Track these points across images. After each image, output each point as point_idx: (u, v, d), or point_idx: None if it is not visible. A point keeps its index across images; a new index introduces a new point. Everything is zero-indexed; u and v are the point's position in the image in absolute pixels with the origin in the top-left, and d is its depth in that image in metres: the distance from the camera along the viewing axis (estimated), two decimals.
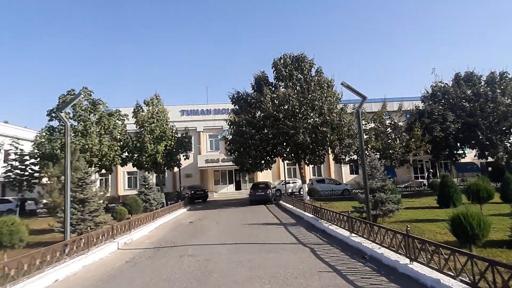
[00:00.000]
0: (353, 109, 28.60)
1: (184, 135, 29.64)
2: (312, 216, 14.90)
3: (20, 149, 26.36)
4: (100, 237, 10.30)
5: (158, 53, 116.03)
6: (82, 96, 8.90)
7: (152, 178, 37.76)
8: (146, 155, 25.69)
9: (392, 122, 29.99)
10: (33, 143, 24.76)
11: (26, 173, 25.98)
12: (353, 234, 9.82)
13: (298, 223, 14.50)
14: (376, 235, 8.45)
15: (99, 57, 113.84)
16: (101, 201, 16.40)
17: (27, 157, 26.02)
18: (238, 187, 40.15)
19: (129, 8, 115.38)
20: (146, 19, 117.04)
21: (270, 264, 7.60)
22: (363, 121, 30.10)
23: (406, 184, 34.16)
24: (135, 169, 30.24)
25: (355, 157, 30.50)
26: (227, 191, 39.57)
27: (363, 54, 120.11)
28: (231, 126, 26.98)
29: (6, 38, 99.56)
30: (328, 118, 24.46)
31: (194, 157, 39.23)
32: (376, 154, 27.48)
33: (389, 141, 27.23)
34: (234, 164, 29.14)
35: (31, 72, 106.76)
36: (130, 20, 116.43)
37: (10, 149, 26.36)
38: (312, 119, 25.28)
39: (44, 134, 24.72)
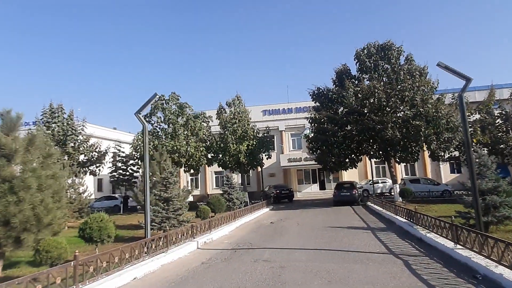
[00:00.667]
0: (452, 99, 25.06)
1: (265, 134, 29.55)
2: (406, 220, 13.14)
3: (122, 152, 29.39)
4: (180, 236, 10.44)
5: (240, 56, 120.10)
6: (158, 97, 9.20)
7: (237, 178, 39.03)
8: (229, 155, 26.26)
9: (503, 112, 25.38)
10: (130, 145, 27.33)
11: (127, 173, 28.80)
12: (458, 246, 8.11)
13: (388, 228, 12.92)
14: (492, 249, 6.74)
15: (186, 62, 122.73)
16: (186, 200, 17.09)
17: (128, 159, 28.87)
18: (322, 187, 38.76)
19: (205, 12, 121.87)
20: (226, 23, 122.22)
21: (354, 278, 6.58)
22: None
23: None
24: (221, 169, 31.28)
25: (456, 153, 26.71)
26: (311, 190, 38.50)
27: (460, 37, 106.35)
28: (312, 124, 25.94)
29: (112, 49, 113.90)
30: (421, 109, 21.75)
31: (277, 156, 39.17)
32: (484, 150, 23.53)
33: (499, 134, 23.02)
34: (316, 163, 28.02)
35: (131, 78, 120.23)
36: (211, 24, 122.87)
37: (116, 152, 29.58)
38: (403, 112, 22.79)
39: (139, 137, 27.08)
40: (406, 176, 33.25)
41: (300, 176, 39.38)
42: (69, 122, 28.39)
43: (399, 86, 22.35)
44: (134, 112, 9.78)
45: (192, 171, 29.32)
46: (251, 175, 40.39)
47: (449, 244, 8.47)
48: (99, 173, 31.61)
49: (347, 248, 9.51)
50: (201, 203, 26.40)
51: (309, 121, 26.03)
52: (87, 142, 28.08)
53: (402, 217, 13.78)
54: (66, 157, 27.20)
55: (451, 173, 36.65)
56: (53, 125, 27.83)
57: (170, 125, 27.04)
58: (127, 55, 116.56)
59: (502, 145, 22.61)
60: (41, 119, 28.07)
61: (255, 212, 21.08)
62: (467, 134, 9.01)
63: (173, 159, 25.12)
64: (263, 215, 20.84)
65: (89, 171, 28.36)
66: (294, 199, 34.29)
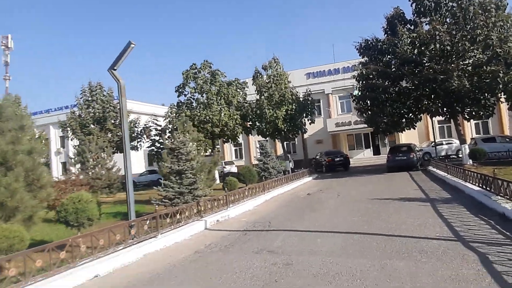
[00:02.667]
0: None
1: (306, 97, 26.53)
2: (479, 188, 9.94)
3: (159, 125, 28.49)
4: (180, 216, 8.57)
5: (283, 18, 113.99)
6: (133, 47, 7.09)
7: (279, 146, 36.72)
8: (266, 122, 23.91)
9: None
10: (164, 118, 26.21)
11: (163, 146, 27.99)
12: None
13: (454, 199, 9.87)
14: None
15: (224, 28, 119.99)
16: (213, 171, 15.36)
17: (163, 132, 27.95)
18: (376, 152, 34.94)
19: None
20: None
21: None
22: None
23: None
24: (261, 137, 29.12)
25: None
26: (364, 156, 34.95)
27: None
28: (360, 81, 22.37)
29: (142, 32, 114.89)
30: (499, 50, 17.22)
31: (323, 121, 35.96)
32: None
33: None
34: (366, 125, 24.57)
35: (168, 51, 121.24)
36: None
37: (151, 126, 28.76)
38: (474, 57, 18.37)
39: (173, 109, 25.79)
40: (478, 135, 28.26)
41: (351, 142, 35.86)
42: (108, 99, 28.07)
43: (468, 26, 17.87)
44: (108, 67, 7.82)
45: (230, 141, 27.53)
46: (296, 142, 37.89)
47: None
48: (141, 148, 31.35)
49: (394, 230, 6.88)
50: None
51: (356, 78, 22.49)
52: (127, 118, 27.57)
53: (474, 184, 10.55)
54: (109, 134, 27.15)
55: None
56: (93, 103, 27.71)
57: (203, 94, 25.27)
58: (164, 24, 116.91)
59: None
60: (81, 98, 28.09)
61: (294, 182, 18.79)
62: None
63: (207, 129, 23.48)
64: (303, 185, 18.49)
65: (131, 146, 28.04)
66: None
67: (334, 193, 13.83)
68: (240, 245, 6.96)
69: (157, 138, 28.54)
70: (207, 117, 23.31)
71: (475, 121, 30.61)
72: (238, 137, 27.26)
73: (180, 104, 26.36)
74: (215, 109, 23.72)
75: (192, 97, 26.20)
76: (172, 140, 12.82)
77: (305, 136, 37.25)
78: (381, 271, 4.68)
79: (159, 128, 28.38)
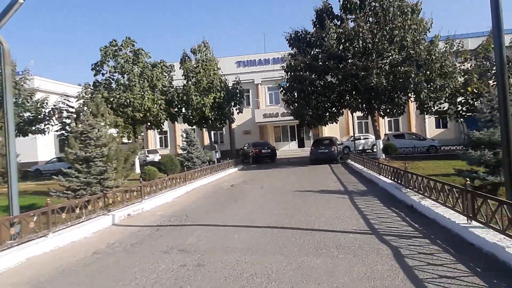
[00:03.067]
0: (446, 44, 21.79)
1: (235, 85, 26.05)
2: (391, 181, 10.51)
3: (71, 107, 25.49)
4: (78, 211, 7.41)
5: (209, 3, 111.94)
6: (21, 3, 5.80)
7: (207, 136, 35.88)
8: (192, 109, 22.86)
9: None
10: (76, 99, 23.48)
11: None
12: (474, 223, 5.39)
13: (369, 192, 10.27)
14: None
15: (151, 9, 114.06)
16: (130, 160, 14.05)
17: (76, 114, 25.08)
18: (301, 144, 36.13)
19: None
20: None
21: None
22: (459, 58, 23.20)
23: None
24: (188, 125, 27.86)
25: (446, 105, 24.15)
26: (289, 148, 35.89)
27: None
28: (288, 72, 22.60)
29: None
30: (412, 52, 18.68)
31: (252, 112, 35.94)
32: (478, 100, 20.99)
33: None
34: (292, 117, 25.03)
35: (79, 27, 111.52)
36: None
37: (62, 107, 25.57)
38: (391, 57, 19.67)
39: (88, 89, 23.20)
40: (390, 132, 30.87)
41: (278, 133, 36.55)
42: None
43: (388, 26, 19.02)
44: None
45: (154, 128, 25.84)
46: (224, 132, 37.42)
47: (459, 219, 5.75)
48: (49, 132, 27.78)
49: (313, 223, 6.74)
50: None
51: (285, 69, 22.68)
52: (32, 97, 24.03)
53: (387, 177, 11.15)
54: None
55: (436, 128, 34.52)
56: None
57: (125, 75, 23.17)
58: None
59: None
60: None
61: (219, 172, 18.27)
62: (501, 56, 5.86)
63: (127, 114, 21.62)
64: (228, 176, 18.07)
65: (37, 129, 24.62)
66: None
67: (258, 184, 13.62)
68: (150, 242, 6.17)
69: (68, 121, 25.57)
70: (128, 101, 21.45)
71: (388, 118, 33.45)
72: (163, 124, 25.71)
73: (97, 84, 23.87)
74: (137, 92, 21.92)
75: (112, 77, 23.93)
76: (81, 123, 11.24)
77: (233, 126, 36.96)
78: (298, 270, 4.36)
79: (71, 109, 25.44)
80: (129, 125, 23.91)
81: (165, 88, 24.47)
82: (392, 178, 10.43)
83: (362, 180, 13.08)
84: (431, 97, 19.48)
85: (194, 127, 26.99)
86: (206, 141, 36.87)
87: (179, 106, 24.11)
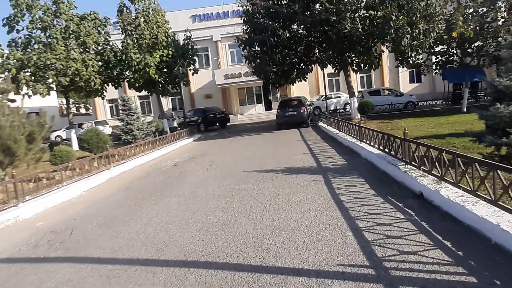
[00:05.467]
0: None
1: (186, 40, 22.06)
2: (379, 152, 7.75)
3: None
4: None
5: None
6: None
7: (166, 103, 31.89)
8: (134, 70, 18.91)
9: None
10: None
11: None
12: None
13: (352, 168, 7.47)
14: None
15: None
16: (42, 138, 10.57)
17: None
18: (268, 107, 32.95)
19: None
20: None
21: None
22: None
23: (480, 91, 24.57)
24: (135, 91, 23.75)
25: (423, 57, 21.61)
26: (256, 112, 32.71)
27: None
28: (246, 22, 18.98)
29: None
30: None
31: (212, 73, 32.03)
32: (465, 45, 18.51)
33: (486, 25, 17.71)
34: (256, 76, 21.67)
35: None
36: None
37: None
38: None
39: None
40: (363, 89, 28.26)
41: (242, 96, 33.07)
42: None
43: None
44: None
45: (93, 96, 21.69)
46: (183, 97, 33.41)
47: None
48: None
49: (268, 247, 3.83)
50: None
51: (242, 17, 19.02)
52: None
53: (373, 146, 8.37)
54: None
55: (410, 82, 32.45)
56: None
57: (47, 31, 18.62)
58: None
59: (489, 39, 17.46)
60: None
61: (168, 146, 15.01)
62: None
63: (45, 78, 17.43)
64: (178, 150, 14.86)
65: None
66: (235, 123, 28.58)
67: (206, 162, 10.55)
68: None
69: None
70: (48, 62, 17.17)
71: (360, 74, 30.85)
72: (102, 91, 21.52)
73: (13, 44, 19.22)
74: (60, 51, 17.60)
75: (31, 34, 19.26)
76: None
77: (193, 90, 33.16)
78: None
79: None
80: (57, 92, 19.73)
81: (99, 47, 20.12)
82: (382, 148, 7.65)
83: (339, 149, 10.30)
84: (413, 46, 16.66)
85: (148, 93, 23.14)
86: (165, 109, 33.11)
87: (119, 68, 19.95)
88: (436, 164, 4.94)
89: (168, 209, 5.75)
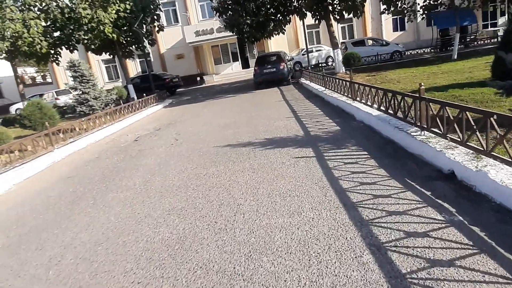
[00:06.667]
0: None
1: None
2: (379, 113, 6.26)
3: None
4: None
5: None
6: None
7: (134, 66, 29.05)
8: (87, 29, 16.26)
9: None
10: None
11: None
12: None
13: (348, 136, 6.00)
14: None
15: None
16: None
17: None
18: (246, 65, 30.63)
19: None
20: None
21: None
22: None
23: (471, 36, 23.15)
24: (108, 55, 20.91)
25: (409, 1, 19.72)
26: (232, 71, 30.41)
27: None
28: None
29: None
30: None
31: (182, 30, 29.11)
32: None
33: None
34: (229, 30, 19.35)
35: None
36: None
37: None
38: None
39: None
40: (346, 40, 26.27)
41: (217, 54, 30.49)
42: None
43: None
44: None
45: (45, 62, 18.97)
46: (152, 59, 30.63)
47: None
48: None
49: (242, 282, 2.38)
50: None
51: None
52: None
53: (371, 106, 6.86)
54: None
55: (394, 31, 30.61)
56: None
57: None
58: None
59: None
60: None
61: (133, 115, 13.13)
62: None
63: None
64: (145, 120, 13.02)
65: None
66: (210, 84, 26.49)
67: (172, 134, 8.87)
68: None
69: None
70: None
71: (341, 25, 28.70)
72: (57, 56, 18.68)
73: None
74: None
75: None
76: None
77: (162, 50, 30.37)
78: None
79: None
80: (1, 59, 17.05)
81: (43, 4, 17.11)
82: (384, 108, 6.14)
83: (327, 110, 8.78)
84: None
85: (114, 57, 20.48)
86: (133, 73, 30.38)
87: (68, 28, 17.15)
88: (478, 133, 3.48)
89: (106, 215, 4.18)
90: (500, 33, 23.40)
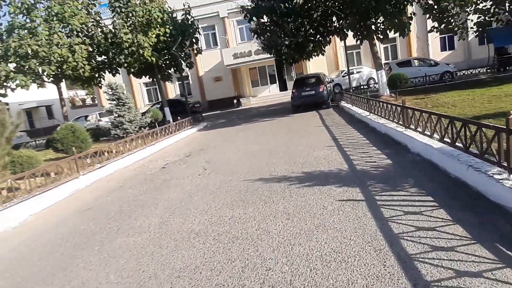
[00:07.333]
0: None
1: (186, 15, 19.43)
2: (442, 145, 5.16)
3: None
4: None
5: None
6: None
7: (172, 89, 29.56)
8: (127, 53, 16.54)
9: None
10: None
11: None
12: None
13: (401, 174, 4.95)
14: None
15: None
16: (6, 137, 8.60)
17: None
18: (283, 87, 30.05)
19: None
20: None
21: None
22: None
23: None
24: (148, 78, 21.25)
25: (461, 17, 18.25)
26: (269, 93, 29.94)
27: None
28: None
29: None
30: None
31: (221, 53, 29.34)
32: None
33: None
34: (267, 52, 18.93)
35: None
36: None
37: None
38: None
39: None
40: (390, 61, 24.93)
41: (254, 76, 30.30)
42: None
43: None
44: None
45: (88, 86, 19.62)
46: (191, 82, 31.07)
47: None
48: None
49: None
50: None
51: None
52: None
53: (431, 137, 5.77)
54: None
55: (442, 51, 28.75)
56: None
57: (28, 14, 16.45)
58: None
59: None
60: None
61: (166, 138, 12.79)
62: None
63: (29, 67, 15.37)
64: (177, 144, 12.62)
65: None
66: (247, 107, 26.14)
67: (202, 161, 8.24)
68: None
69: None
70: (30, 50, 15.07)
71: (384, 45, 27.51)
72: (100, 79, 19.26)
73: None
74: (42, 35, 15.46)
75: (14, 19, 17.08)
76: None
77: (201, 73, 30.73)
78: None
79: None
80: (46, 82, 17.79)
81: (90, 31, 17.78)
82: (450, 141, 5.04)
83: (374, 137, 7.74)
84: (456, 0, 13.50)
85: (152, 80, 20.80)
86: (172, 95, 30.96)
87: (111, 52, 17.61)
88: None
89: (106, 271, 3.46)
90: None
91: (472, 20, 18.68)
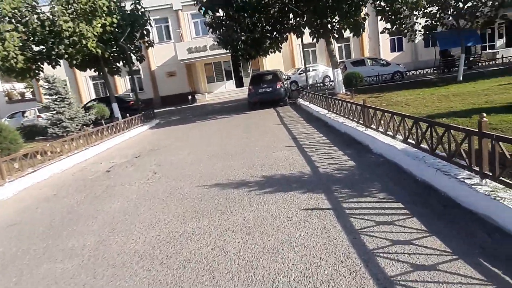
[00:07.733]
0: None
1: (136, 5, 18.12)
2: (405, 146, 4.98)
3: None
4: None
5: None
6: None
7: (122, 83, 27.80)
8: (68, 43, 14.98)
9: None
10: None
11: None
12: None
13: (366, 177, 4.68)
14: None
15: None
16: None
17: None
18: (240, 84, 29.53)
19: None
20: None
21: None
22: None
23: (475, 57, 22.21)
24: (94, 71, 19.48)
25: (410, 20, 18.92)
26: (225, 89, 29.26)
27: None
28: None
29: None
30: None
31: (174, 47, 28.07)
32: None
33: None
34: (222, 47, 18.24)
35: None
36: None
37: None
38: None
39: None
40: (345, 60, 25.39)
41: (210, 72, 29.40)
42: None
43: None
44: None
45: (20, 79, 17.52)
46: (142, 76, 29.45)
47: None
48: None
49: None
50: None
51: None
52: None
53: (393, 137, 5.58)
54: None
55: (391, 51, 29.96)
56: None
57: None
58: None
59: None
60: None
61: (113, 137, 11.70)
62: None
63: None
64: (125, 143, 11.59)
65: None
66: (202, 103, 25.31)
67: (151, 164, 7.48)
68: None
69: None
70: None
71: (338, 44, 28.00)
72: (37, 71, 17.27)
73: None
74: None
75: None
76: None
77: (153, 67, 29.24)
78: None
79: None
80: None
81: (24, 17, 15.85)
82: (415, 143, 4.84)
83: (334, 137, 7.51)
84: (408, 3, 13.85)
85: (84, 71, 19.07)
86: (122, 90, 29.13)
87: (50, 41, 15.84)
88: None
89: None
90: (499, 55, 22.80)
91: (420, 24, 19.43)
